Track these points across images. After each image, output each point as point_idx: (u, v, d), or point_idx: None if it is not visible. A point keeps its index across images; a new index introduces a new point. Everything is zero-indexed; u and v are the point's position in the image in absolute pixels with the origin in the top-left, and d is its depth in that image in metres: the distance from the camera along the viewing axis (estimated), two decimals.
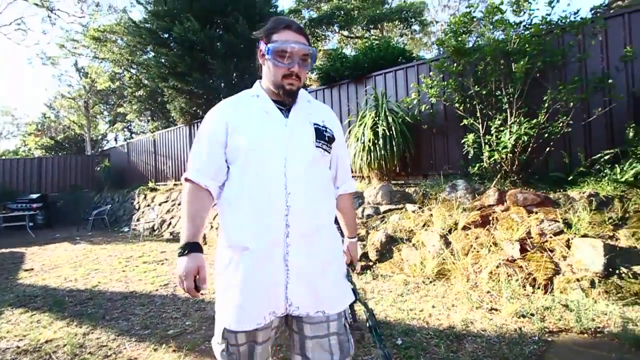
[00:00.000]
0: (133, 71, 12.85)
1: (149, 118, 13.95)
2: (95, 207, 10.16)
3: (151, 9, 8.33)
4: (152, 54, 9.04)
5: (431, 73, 4.39)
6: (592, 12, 3.30)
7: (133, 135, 17.99)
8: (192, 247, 1.03)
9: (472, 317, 2.45)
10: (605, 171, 3.25)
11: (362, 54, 5.57)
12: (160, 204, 8.58)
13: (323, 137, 1.15)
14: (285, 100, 1.13)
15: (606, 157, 3.27)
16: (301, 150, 1.10)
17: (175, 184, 9.15)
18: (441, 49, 4.22)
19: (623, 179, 3.08)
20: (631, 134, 3.21)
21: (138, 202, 9.56)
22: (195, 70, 7.60)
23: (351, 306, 1.19)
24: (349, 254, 1.41)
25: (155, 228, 7.91)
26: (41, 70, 49.14)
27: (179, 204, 8.01)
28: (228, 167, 1.12)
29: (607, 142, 3.47)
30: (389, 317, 2.56)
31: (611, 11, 4.04)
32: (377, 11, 11.58)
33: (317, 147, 1.13)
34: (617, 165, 3.19)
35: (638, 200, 2.92)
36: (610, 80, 3.28)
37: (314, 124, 1.15)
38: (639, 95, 3.28)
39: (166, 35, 8.30)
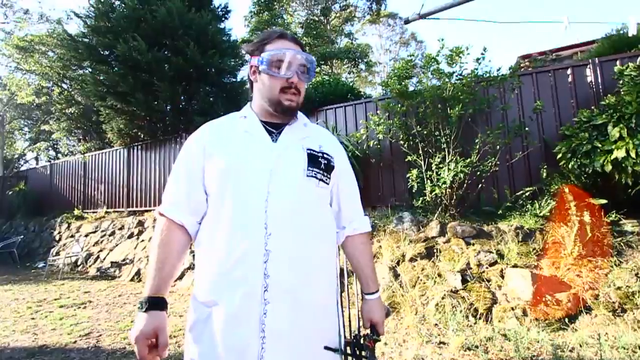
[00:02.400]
0: (65, 86, 11.67)
1: (81, 138, 12.61)
2: (2, 238, 8.62)
3: (91, 24, 7.79)
4: (89, 69, 8.35)
5: (378, 111, 4.69)
6: (510, 70, 3.86)
7: (59, 155, 16.03)
8: (154, 304, 0.85)
9: (423, 352, 2.48)
10: (527, 206, 3.68)
11: (313, 88, 5.78)
12: (87, 235, 7.59)
13: (318, 164, 0.96)
14: (283, 119, 0.98)
15: (527, 194, 3.72)
16: (288, 180, 0.91)
17: (107, 212, 8.22)
18: (387, 90, 4.55)
19: (541, 214, 3.51)
20: (545, 174, 3.72)
21: (59, 233, 8.35)
22: (138, 91, 7.15)
23: None
24: (369, 316, 1.05)
25: (79, 263, 6.92)
26: None
27: (111, 235, 7.17)
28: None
29: (527, 181, 3.97)
30: None
31: (521, 70, 4.77)
32: (327, 49, 12.31)
33: (309, 176, 0.93)
34: (535, 201, 3.64)
35: (554, 233, 3.33)
36: (527, 128, 3.80)
37: (307, 149, 0.97)
38: (549, 141, 3.84)
39: (107, 52, 7.76)
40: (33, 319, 3.76)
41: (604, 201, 3.14)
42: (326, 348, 0.90)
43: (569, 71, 4.03)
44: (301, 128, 1.02)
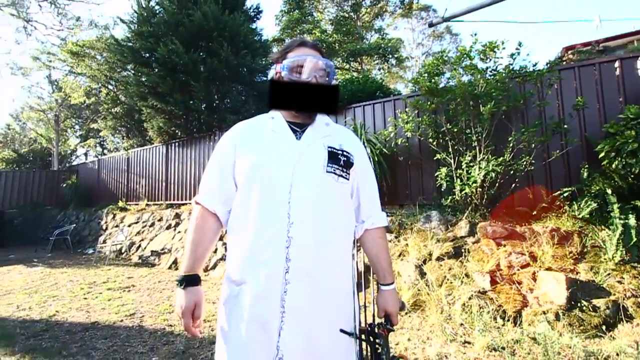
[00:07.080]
0: (111, 87, 12.59)
1: (124, 135, 13.55)
2: (57, 226, 9.53)
3: (135, 29, 8.35)
4: (132, 71, 8.96)
5: (407, 109, 4.65)
6: (547, 65, 3.66)
7: (106, 151, 17.32)
8: (190, 281, 0.99)
9: (447, 350, 2.48)
10: (564, 207, 3.50)
11: (342, 86, 5.82)
12: (130, 225, 8.20)
13: (337, 161, 1.04)
14: (304, 119, 1.07)
15: (565, 194, 3.54)
16: (309, 174, 0.99)
17: (147, 204, 8.81)
18: (416, 87, 4.49)
19: (580, 216, 3.33)
20: (585, 174, 3.51)
21: (106, 222, 9.08)
22: (176, 92, 7.59)
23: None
24: (384, 306, 1.12)
25: (123, 251, 7.51)
26: (9, 80, 46.88)
27: (151, 226, 7.70)
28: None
29: (566, 181, 3.77)
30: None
31: (563, 63, 4.51)
32: (357, 46, 12.23)
33: (328, 172, 1.01)
34: (574, 203, 3.46)
35: (594, 236, 3.16)
36: (565, 126, 3.61)
37: (328, 147, 1.05)
38: (591, 139, 3.62)
39: (148, 55, 8.29)
40: (85, 298, 4.18)
41: None
42: (342, 331, 0.98)
43: (616, 64, 3.75)
44: (323, 127, 1.10)
